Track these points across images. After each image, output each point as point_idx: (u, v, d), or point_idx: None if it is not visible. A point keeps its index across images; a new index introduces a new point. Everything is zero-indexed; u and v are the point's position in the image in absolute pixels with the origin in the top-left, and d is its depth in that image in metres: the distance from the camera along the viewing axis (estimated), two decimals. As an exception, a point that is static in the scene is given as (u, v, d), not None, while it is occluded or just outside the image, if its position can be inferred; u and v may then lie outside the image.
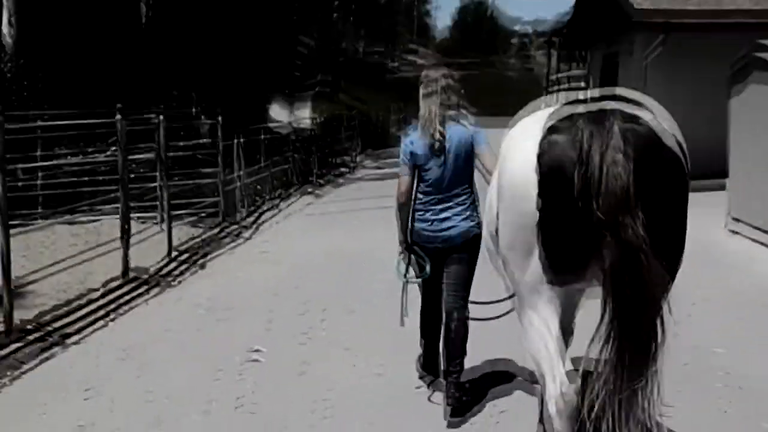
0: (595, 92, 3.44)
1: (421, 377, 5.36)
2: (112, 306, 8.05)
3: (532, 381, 4.71)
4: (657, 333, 2.94)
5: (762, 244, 9.97)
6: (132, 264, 9.33)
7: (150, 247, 10.48)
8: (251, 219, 14.27)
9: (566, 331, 4.16)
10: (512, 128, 3.58)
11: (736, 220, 11.16)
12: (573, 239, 3.03)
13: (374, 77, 60.45)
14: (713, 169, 14.24)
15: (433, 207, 4.81)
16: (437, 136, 4.70)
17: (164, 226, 10.49)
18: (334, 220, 14.08)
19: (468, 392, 4.90)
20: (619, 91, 3.36)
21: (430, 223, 4.82)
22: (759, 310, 7.04)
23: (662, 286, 2.96)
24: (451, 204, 4.78)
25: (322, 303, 7.68)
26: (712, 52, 14.82)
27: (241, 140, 14.48)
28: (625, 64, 18.80)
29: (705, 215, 11.53)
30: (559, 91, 29.70)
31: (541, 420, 4.12)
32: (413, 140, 4.82)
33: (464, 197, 4.80)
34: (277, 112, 36.77)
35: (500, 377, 5.47)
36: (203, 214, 12.78)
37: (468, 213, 4.79)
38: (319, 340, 6.50)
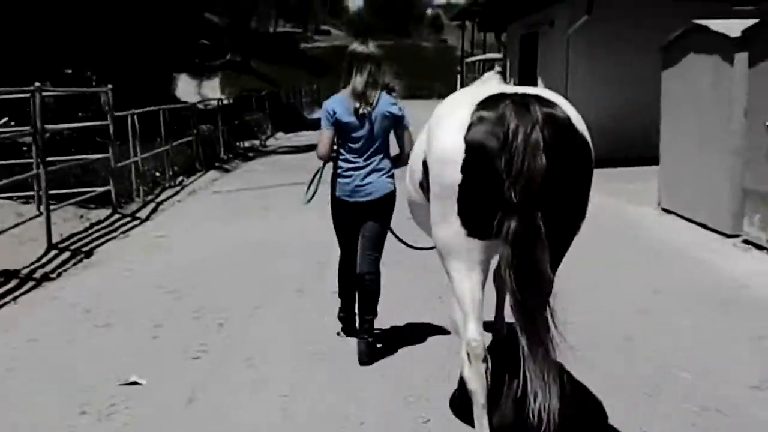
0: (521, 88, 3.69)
1: (339, 332, 5.64)
2: (-28, 309, 6.82)
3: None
4: (547, 296, 3.32)
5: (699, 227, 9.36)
6: (3, 255, 8.06)
7: (29, 235, 9.19)
8: (149, 198, 13.01)
9: None
10: (444, 101, 3.93)
11: (667, 211, 10.44)
12: (489, 207, 3.31)
13: (287, 56, 58.88)
14: (639, 153, 13.76)
15: (354, 170, 5.20)
16: (366, 108, 5.10)
17: (43, 209, 9.15)
18: (243, 200, 12.95)
19: (376, 341, 5.31)
20: (540, 90, 3.64)
21: (351, 183, 5.21)
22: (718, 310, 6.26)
23: (553, 263, 3.36)
24: (371, 166, 5.19)
25: (221, 302, 6.60)
26: (642, 31, 14.19)
27: (135, 113, 13.05)
28: (544, 45, 18.05)
29: (634, 203, 11.01)
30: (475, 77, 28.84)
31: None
32: (338, 105, 5.16)
33: (383, 161, 5.23)
34: (184, 92, 35.10)
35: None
36: (92, 195, 11.43)
37: (385, 174, 5.23)
38: (215, 352, 5.41)
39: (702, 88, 9.61)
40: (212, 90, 42.08)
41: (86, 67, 23.81)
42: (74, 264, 8.51)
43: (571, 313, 5.20)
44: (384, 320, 5.75)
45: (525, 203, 3.20)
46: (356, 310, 5.45)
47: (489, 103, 3.42)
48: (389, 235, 5.45)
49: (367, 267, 5.25)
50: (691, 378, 4.70)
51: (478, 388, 3.53)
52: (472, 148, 3.36)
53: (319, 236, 8.02)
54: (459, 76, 42.85)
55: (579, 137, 3.42)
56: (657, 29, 11.32)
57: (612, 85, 15.28)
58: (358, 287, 5.32)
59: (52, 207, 9.64)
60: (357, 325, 5.38)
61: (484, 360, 3.54)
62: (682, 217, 9.97)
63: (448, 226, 3.52)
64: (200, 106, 23.58)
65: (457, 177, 3.41)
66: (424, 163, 3.75)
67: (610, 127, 13.28)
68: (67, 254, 8.85)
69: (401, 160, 5.19)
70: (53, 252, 8.80)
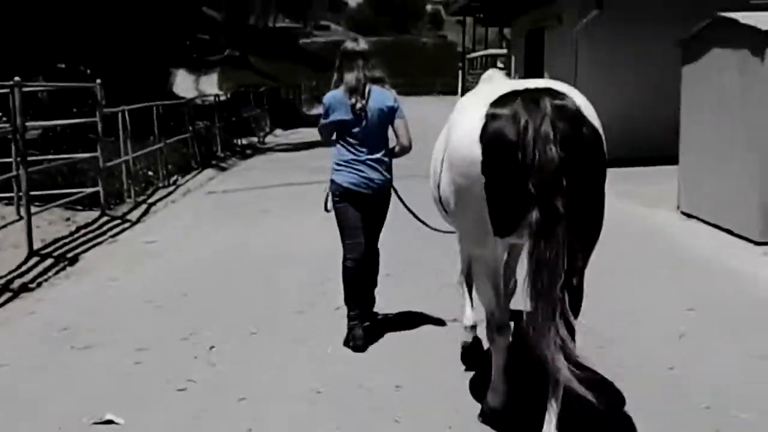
0: (531, 81, 3.80)
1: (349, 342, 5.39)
2: (-58, 325, 6.21)
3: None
4: (569, 286, 3.39)
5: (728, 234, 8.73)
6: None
7: (9, 240, 8.57)
8: (141, 198, 12.37)
9: (509, 280, 4.80)
10: (460, 101, 4.17)
11: (687, 215, 9.81)
12: (510, 201, 3.46)
13: (286, 51, 58.18)
14: (652, 154, 13.14)
15: (354, 163, 5.34)
16: (361, 102, 5.28)
17: (24, 213, 8.51)
18: (240, 202, 12.31)
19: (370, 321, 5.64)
20: (549, 82, 3.73)
21: (352, 175, 5.34)
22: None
23: (578, 251, 3.44)
24: (371, 160, 5.33)
25: (213, 322, 5.97)
26: (656, 25, 13.55)
27: (127, 109, 12.38)
28: (552, 41, 17.37)
29: (652, 207, 10.40)
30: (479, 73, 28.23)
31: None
32: (334, 102, 5.37)
33: (381, 154, 5.38)
34: (182, 88, 34.53)
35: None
36: (80, 196, 10.81)
37: (384, 168, 5.40)
38: (204, 384, 4.77)
39: (727, 86, 8.99)
40: (210, 85, 41.43)
41: (80, 61, 23.19)
42: (56, 273, 7.89)
43: (599, 337, 4.71)
44: (399, 350, 5.28)
45: (543, 194, 3.29)
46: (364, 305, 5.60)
47: (501, 102, 3.55)
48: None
49: (372, 246, 5.58)
50: (754, 420, 4.08)
51: (500, 353, 4.00)
52: (488, 149, 3.50)
53: (319, 242, 7.50)
54: (460, 72, 42.27)
55: (589, 127, 3.49)
56: (670, 25, 10.77)
57: (623, 83, 14.60)
58: (364, 270, 5.53)
59: (36, 209, 9.06)
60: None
61: (509, 333, 4.02)
62: (705, 222, 9.36)
63: (474, 224, 3.71)
64: (197, 101, 22.97)
65: (479, 179, 3.55)
66: (444, 165, 3.99)
67: (621, 127, 12.51)
68: (49, 261, 8.24)
69: (399, 151, 5.51)
70: (34, 259, 8.19)
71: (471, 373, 4.77)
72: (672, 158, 10.58)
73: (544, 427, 3.60)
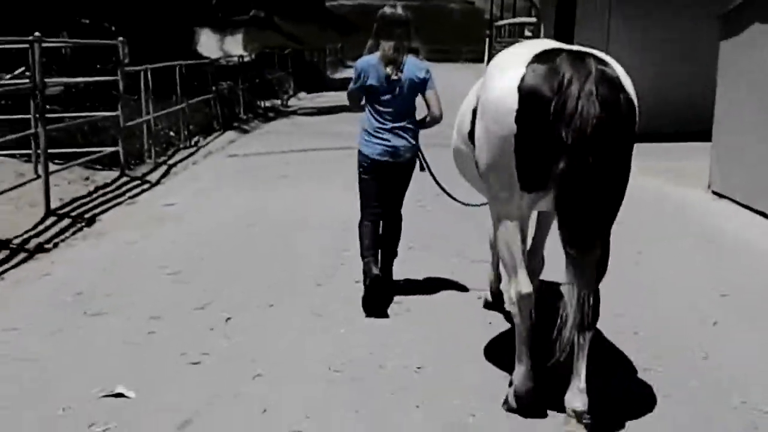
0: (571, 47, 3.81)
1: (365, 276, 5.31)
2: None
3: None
4: (597, 242, 3.48)
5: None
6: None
7: (27, 198, 8.44)
8: (161, 159, 12.20)
9: (536, 255, 4.61)
10: (500, 54, 4.09)
11: (719, 195, 9.49)
12: (542, 153, 3.45)
13: (312, 14, 57.51)
14: (683, 128, 12.79)
15: (381, 131, 5.32)
16: (396, 73, 5.23)
17: (41, 172, 8.36)
18: (261, 165, 12.11)
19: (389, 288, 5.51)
20: (588, 49, 3.71)
21: (379, 142, 5.34)
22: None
23: (602, 211, 3.50)
24: (398, 128, 5.31)
25: (230, 291, 5.80)
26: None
27: (149, 68, 12.18)
28: (583, 11, 16.88)
29: (682, 185, 10.10)
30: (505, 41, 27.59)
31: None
32: (368, 67, 5.31)
33: (408, 122, 5.35)
34: (207, 48, 34.33)
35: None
36: (100, 155, 10.66)
37: (410, 135, 5.37)
38: (218, 356, 4.61)
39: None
40: (235, 46, 41.05)
41: (104, 17, 22.97)
42: (73, 233, 7.74)
43: (629, 318, 4.54)
44: (421, 327, 5.09)
45: (577, 146, 3.31)
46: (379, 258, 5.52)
47: (545, 55, 3.59)
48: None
49: (395, 211, 5.55)
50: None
51: (523, 323, 3.82)
52: (526, 95, 3.50)
53: (340, 207, 7.34)
54: (487, 39, 41.72)
55: (626, 95, 3.51)
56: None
57: (656, 56, 14.19)
58: (385, 227, 5.53)
59: (55, 168, 8.92)
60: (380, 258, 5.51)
61: (531, 301, 3.80)
62: (738, 203, 9.07)
63: (500, 177, 3.67)
64: (221, 62, 22.74)
65: (513, 126, 3.53)
66: (475, 114, 3.89)
67: (652, 100, 12.18)
68: (66, 222, 8.10)
69: (430, 121, 5.44)
70: (51, 219, 8.05)
71: (495, 352, 4.58)
72: (702, 134, 10.27)
73: (567, 393, 3.59)
